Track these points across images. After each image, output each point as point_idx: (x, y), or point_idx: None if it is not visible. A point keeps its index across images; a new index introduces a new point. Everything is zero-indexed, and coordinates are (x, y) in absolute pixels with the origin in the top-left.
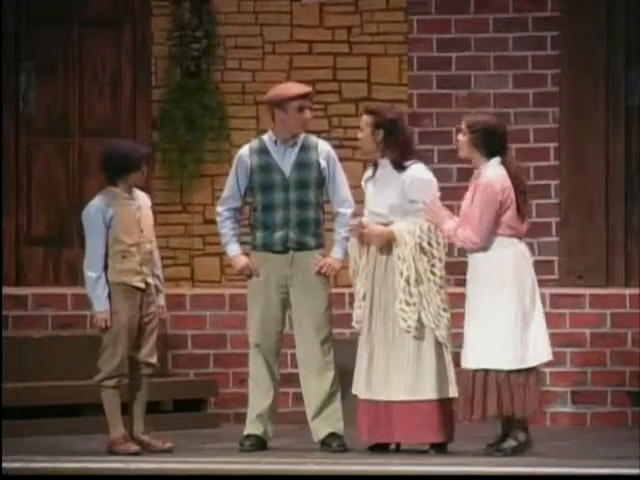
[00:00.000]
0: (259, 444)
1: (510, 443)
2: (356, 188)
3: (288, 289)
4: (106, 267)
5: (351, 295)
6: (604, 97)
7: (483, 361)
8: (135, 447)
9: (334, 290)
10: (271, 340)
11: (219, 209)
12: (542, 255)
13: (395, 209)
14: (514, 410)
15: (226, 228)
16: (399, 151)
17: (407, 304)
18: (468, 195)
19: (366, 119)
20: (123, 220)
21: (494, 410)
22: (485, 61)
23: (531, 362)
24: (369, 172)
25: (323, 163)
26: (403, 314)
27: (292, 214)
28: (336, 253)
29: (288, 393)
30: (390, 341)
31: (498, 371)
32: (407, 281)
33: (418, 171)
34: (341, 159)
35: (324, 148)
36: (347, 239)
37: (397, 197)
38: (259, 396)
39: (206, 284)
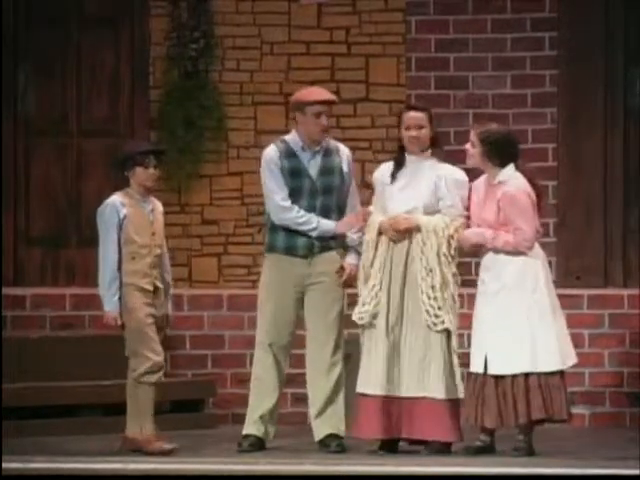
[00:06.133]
0: (258, 444)
1: (522, 444)
2: None
3: (303, 288)
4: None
5: (349, 296)
6: (602, 98)
7: (527, 365)
8: (168, 445)
9: None
10: (283, 339)
11: (283, 205)
12: None
13: (428, 207)
14: (554, 412)
15: (309, 220)
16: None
17: (435, 299)
18: (490, 207)
19: (425, 117)
20: (135, 221)
21: (541, 413)
22: (483, 62)
23: (572, 361)
24: (389, 170)
25: (345, 168)
26: (429, 308)
27: None
28: (353, 259)
29: (287, 394)
30: (404, 337)
31: (540, 374)
32: (433, 278)
33: (456, 171)
34: None
35: (345, 152)
36: (360, 245)
37: (431, 194)
38: (262, 396)
39: (204, 284)
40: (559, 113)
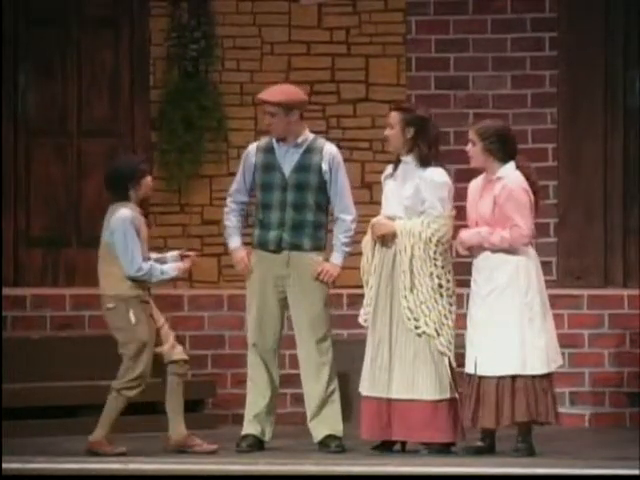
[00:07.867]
0: (256, 444)
1: (522, 445)
2: (354, 189)
3: (285, 289)
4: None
5: (349, 296)
6: (602, 98)
7: (515, 367)
8: (121, 448)
9: (332, 291)
10: (268, 340)
11: (227, 200)
12: (540, 256)
13: (410, 210)
14: (538, 414)
15: (229, 221)
16: (427, 148)
17: (411, 302)
18: (487, 201)
19: (396, 116)
20: (143, 235)
21: (525, 416)
22: (483, 62)
23: (557, 364)
24: (389, 169)
25: (325, 167)
26: (406, 311)
27: (288, 215)
28: (335, 259)
29: (286, 394)
30: (394, 339)
31: (527, 376)
32: (405, 280)
33: (435, 173)
34: None
35: (329, 151)
36: (347, 245)
37: (413, 195)
38: (256, 396)
39: (204, 285)
40: (559, 113)
